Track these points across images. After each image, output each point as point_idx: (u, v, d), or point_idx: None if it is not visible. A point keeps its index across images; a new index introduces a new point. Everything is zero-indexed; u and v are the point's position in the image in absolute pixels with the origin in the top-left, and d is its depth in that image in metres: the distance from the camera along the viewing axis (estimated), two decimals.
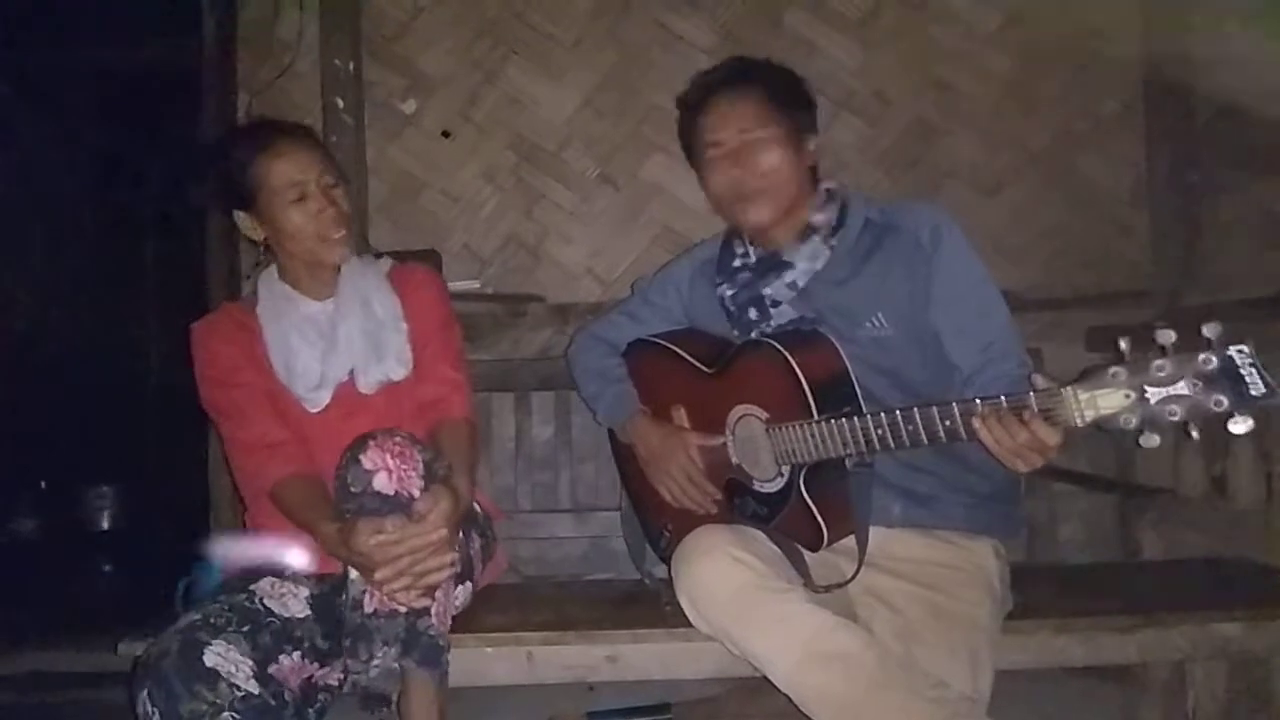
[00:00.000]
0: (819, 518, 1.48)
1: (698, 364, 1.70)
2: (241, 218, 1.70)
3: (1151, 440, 1.15)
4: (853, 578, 1.48)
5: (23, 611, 3.12)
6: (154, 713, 1.25)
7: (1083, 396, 1.18)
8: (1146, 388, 1.13)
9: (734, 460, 1.63)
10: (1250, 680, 1.79)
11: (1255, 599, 1.69)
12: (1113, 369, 1.15)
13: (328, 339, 1.68)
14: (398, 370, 1.70)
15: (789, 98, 1.66)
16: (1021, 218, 2.67)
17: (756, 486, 1.59)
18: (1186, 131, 2.61)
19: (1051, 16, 2.68)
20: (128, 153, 4.79)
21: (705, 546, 1.46)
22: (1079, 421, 1.19)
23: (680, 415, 1.74)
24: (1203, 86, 2.61)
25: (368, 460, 1.38)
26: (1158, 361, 1.12)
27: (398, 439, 1.42)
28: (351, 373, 1.67)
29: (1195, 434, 1.13)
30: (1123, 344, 1.15)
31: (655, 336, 1.83)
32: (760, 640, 1.39)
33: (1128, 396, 1.14)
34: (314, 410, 1.65)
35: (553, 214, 2.71)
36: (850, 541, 1.50)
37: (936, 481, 1.55)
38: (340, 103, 2.53)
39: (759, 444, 1.57)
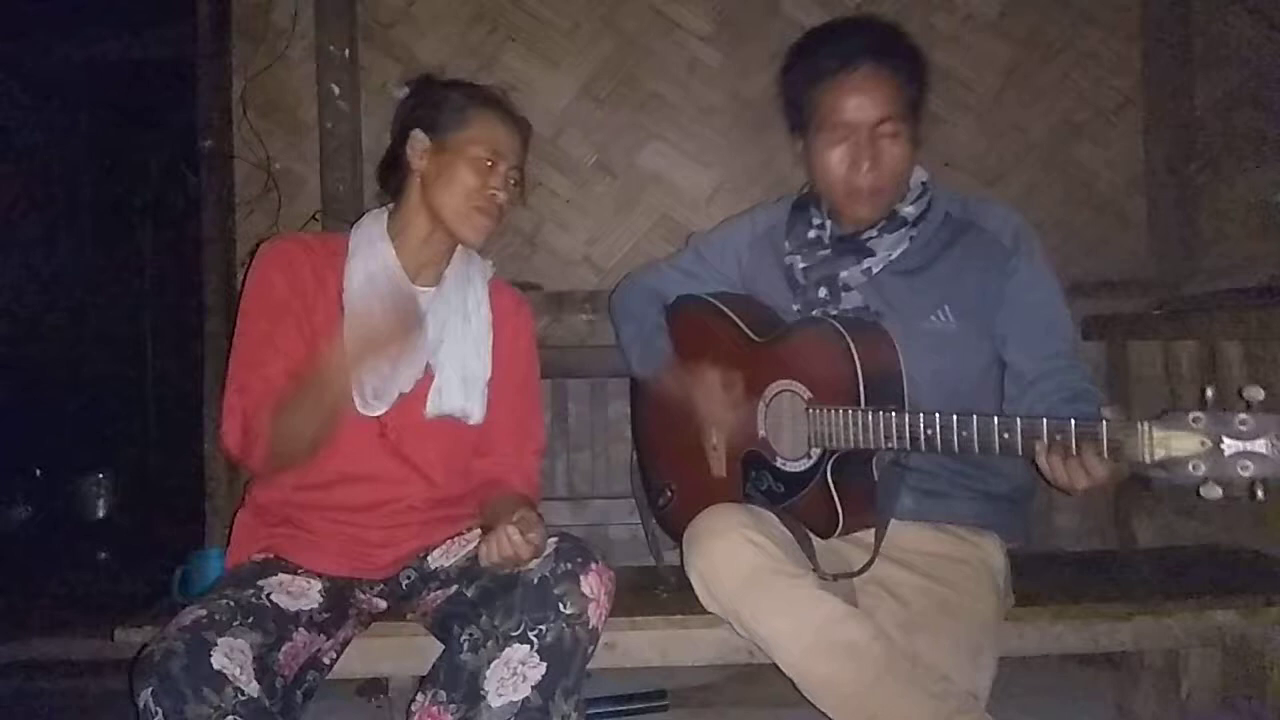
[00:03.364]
0: (838, 506, 1.47)
1: (747, 331, 1.67)
2: (419, 137, 1.56)
3: (1213, 492, 1.13)
4: (861, 571, 1.48)
5: (19, 600, 3.12)
6: (157, 712, 1.22)
7: (1157, 435, 1.16)
8: (1224, 439, 1.12)
9: (761, 433, 1.61)
10: (1244, 668, 1.80)
11: (1250, 587, 1.69)
12: (1193, 414, 1.14)
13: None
14: (477, 411, 1.58)
15: (921, 84, 1.57)
16: (1020, 206, 2.61)
17: (778, 464, 1.57)
18: (1185, 121, 2.61)
19: (1051, 5, 2.68)
20: (123, 140, 4.77)
21: (719, 527, 1.45)
22: (1147, 458, 1.17)
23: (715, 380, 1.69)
24: (1201, 76, 2.61)
25: (587, 586, 1.37)
26: (1242, 416, 1.11)
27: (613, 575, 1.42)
28: (417, 386, 1.54)
29: (1261, 494, 1.12)
30: (1208, 392, 1.14)
31: (708, 295, 1.78)
32: (770, 623, 1.40)
33: (1203, 444, 1.13)
34: (364, 412, 1.51)
35: (549, 202, 2.69)
36: (859, 532, 1.50)
37: (949, 477, 1.55)
38: (336, 89, 2.51)
39: (793, 421, 1.55)
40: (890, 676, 1.34)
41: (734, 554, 1.41)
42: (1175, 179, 2.60)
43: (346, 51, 2.54)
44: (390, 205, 1.64)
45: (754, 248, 1.75)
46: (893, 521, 1.51)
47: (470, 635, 1.36)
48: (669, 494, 1.80)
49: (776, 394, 1.59)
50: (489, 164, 1.54)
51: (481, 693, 1.31)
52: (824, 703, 1.38)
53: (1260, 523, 1.91)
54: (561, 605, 1.34)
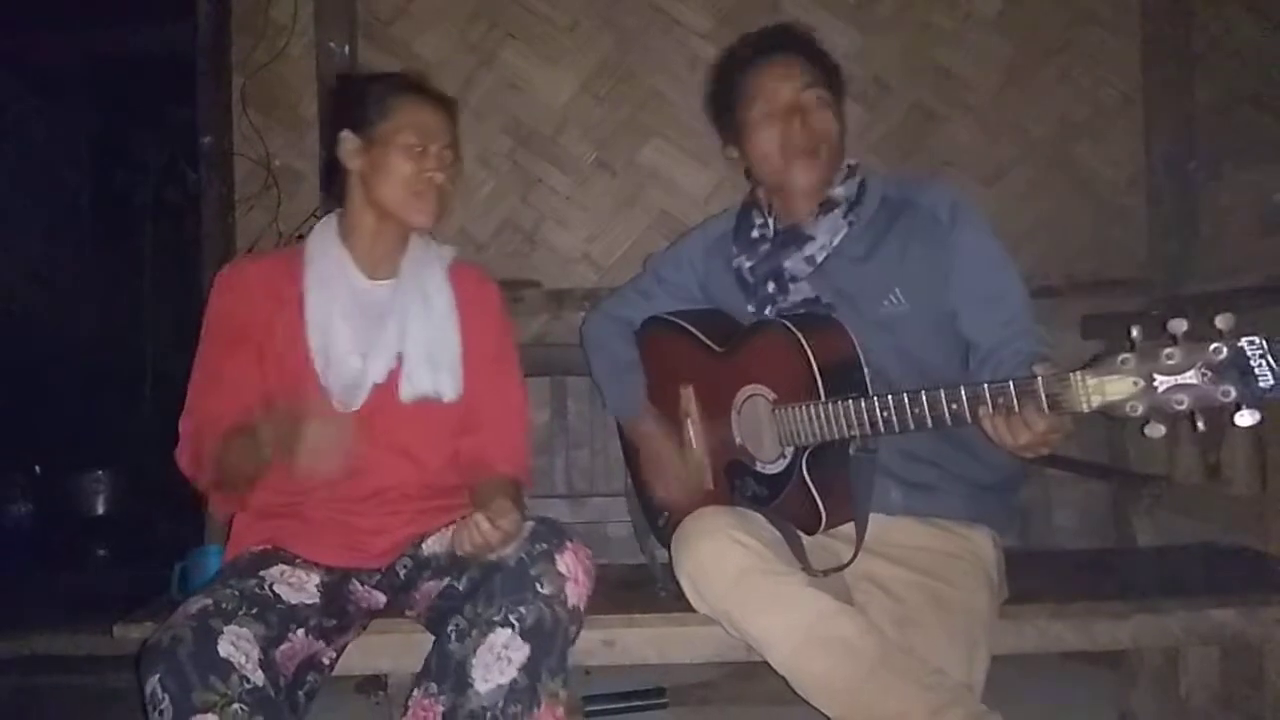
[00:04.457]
0: (818, 501, 1.47)
1: (709, 343, 1.69)
2: (348, 138, 1.58)
3: (1157, 430, 1.14)
4: (849, 562, 1.48)
5: (19, 596, 3.12)
6: (164, 698, 1.23)
7: (1090, 382, 1.17)
8: (1155, 376, 1.12)
9: (737, 441, 1.62)
10: (1243, 666, 1.79)
11: (1249, 585, 1.69)
12: (1122, 356, 1.14)
13: (376, 327, 1.57)
14: (449, 389, 1.59)
15: (833, 72, 1.66)
16: (1020, 205, 2.66)
17: (758, 467, 1.58)
18: (1185, 120, 2.61)
19: (1051, 3, 2.68)
20: (123, 136, 4.77)
21: (707, 528, 1.46)
22: (1085, 408, 1.18)
23: (688, 394, 1.73)
24: (1201, 76, 2.60)
25: (563, 565, 1.38)
26: (1167, 350, 1.11)
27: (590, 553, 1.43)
28: (390, 375, 1.57)
29: (1201, 425, 1.11)
30: (1134, 331, 1.14)
31: (669, 314, 1.81)
32: (761, 622, 1.40)
33: (1136, 384, 1.13)
34: (340, 410, 1.52)
35: (549, 199, 2.70)
36: (847, 527, 1.50)
37: (938, 471, 1.55)
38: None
39: (764, 424, 1.56)
40: (884, 669, 1.34)
41: (722, 555, 1.42)
42: (1175, 179, 2.60)
43: (346, 48, 2.54)
44: (339, 210, 1.66)
45: (708, 257, 1.79)
46: (883, 517, 1.51)
47: (457, 625, 1.37)
48: (666, 515, 1.81)
49: (746, 399, 1.60)
50: (419, 149, 1.55)
51: (469, 680, 1.32)
52: (818, 699, 1.38)
53: (1259, 521, 1.91)
54: (539, 585, 1.36)
